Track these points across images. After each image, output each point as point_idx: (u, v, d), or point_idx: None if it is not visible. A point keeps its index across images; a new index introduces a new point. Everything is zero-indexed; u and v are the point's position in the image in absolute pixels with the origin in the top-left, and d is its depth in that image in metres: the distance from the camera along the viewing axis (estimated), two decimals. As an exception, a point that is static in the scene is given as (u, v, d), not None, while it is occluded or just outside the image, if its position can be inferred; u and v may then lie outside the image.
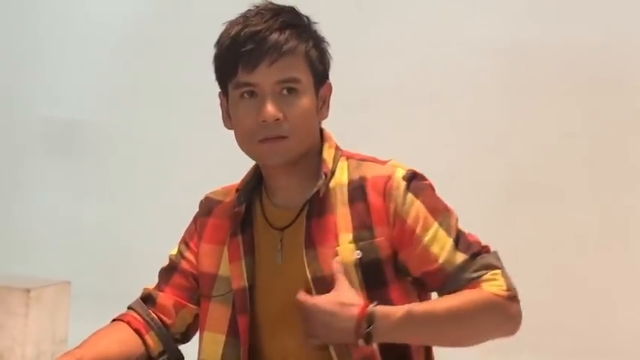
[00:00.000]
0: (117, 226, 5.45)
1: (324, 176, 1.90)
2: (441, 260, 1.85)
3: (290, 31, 1.88)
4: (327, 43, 2.00)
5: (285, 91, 1.87)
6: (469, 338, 1.92)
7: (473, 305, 1.83)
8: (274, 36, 1.86)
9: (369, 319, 1.76)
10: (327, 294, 1.79)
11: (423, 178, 1.94)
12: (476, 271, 1.86)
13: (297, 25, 1.92)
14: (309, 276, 1.87)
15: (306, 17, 1.96)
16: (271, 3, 1.96)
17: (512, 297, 1.86)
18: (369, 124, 4.98)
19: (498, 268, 1.87)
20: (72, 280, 4.04)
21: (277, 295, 1.92)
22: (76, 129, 5.51)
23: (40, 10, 5.65)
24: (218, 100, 2.00)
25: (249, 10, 1.92)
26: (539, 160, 4.91)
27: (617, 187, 4.83)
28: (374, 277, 1.86)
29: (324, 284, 1.85)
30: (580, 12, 4.89)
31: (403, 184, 1.87)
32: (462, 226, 1.93)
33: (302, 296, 1.78)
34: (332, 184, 1.93)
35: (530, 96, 4.96)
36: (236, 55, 1.86)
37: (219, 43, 1.93)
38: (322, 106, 1.97)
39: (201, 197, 2.13)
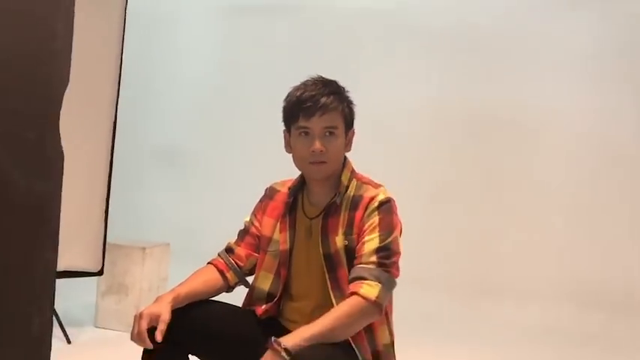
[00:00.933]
0: (197, 213, 5.41)
1: (338, 193, 1.91)
2: (362, 254, 1.83)
3: (334, 97, 1.90)
4: (354, 104, 1.99)
5: (327, 134, 1.88)
6: (347, 334, 1.77)
7: (342, 316, 1.74)
8: (324, 99, 1.88)
9: (277, 342, 1.66)
10: None
11: (391, 204, 1.90)
12: (369, 274, 1.79)
13: (338, 92, 1.93)
14: (321, 252, 1.89)
15: (343, 87, 1.98)
16: (321, 77, 1.97)
17: (376, 304, 1.77)
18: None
19: (382, 284, 1.78)
20: (170, 242, 4.04)
21: (305, 258, 1.94)
22: (176, 151, 5.49)
23: (153, 65, 5.57)
24: (282, 134, 1.99)
25: (307, 79, 1.95)
26: (451, 175, 4.92)
27: (498, 194, 4.86)
28: (352, 258, 1.86)
29: (330, 257, 1.88)
30: (483, 76, 4.90)
31: (376, 204, 1.86)
32: (396, 248, 1.85)
33: None
34: (345, 195, 1.92)
35: (448, 133, 4.97)
36: (298, 109, 1.88)
37: (287, 99, 1.95)
38: (348, 143, 1.97)
39: (262, 189, 2.12)
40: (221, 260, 2.02)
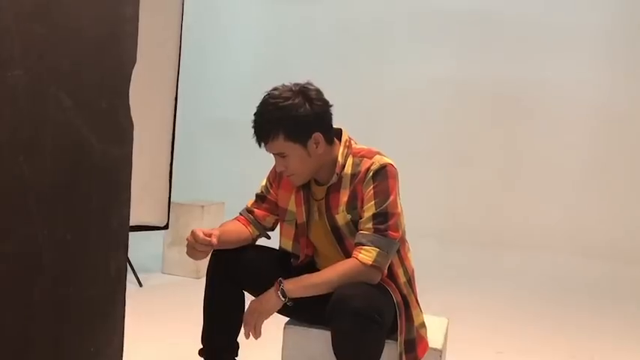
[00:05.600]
0: (248, 176, 5.45)
1: (336, 174, 1.81)
2: (362, 221, 1.76)
3: (271, 125, 1.74)
4: (306, 112, 1.73)
5: (279, 157, 1.79)
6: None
7: (342, 274, 1.70)
8: (262, 131, 1.75)
9: (280, 282, 1.73)
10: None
11: (386, 169, 1.76)
12: (367, 240, 1.73)
13: (274, 117, 1.73)
14: (328, 225, 1.84)
15: (285, 105, 1.73)
16: (270, 94, 1.77)
17: (374, 267, 1.71)
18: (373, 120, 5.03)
19: (379, 248, 1.71)
20: (225, 201, 4.08)
21: (322, 230, 1.88)
22: (230, 122, 5.47)
23: (209, 46, 5.54)
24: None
25: (262, 99, 1.79)
26: (472, 143, 4.88)
27: (516, 159, 4.81)
28: (357, 229, 1.78)
29: (336, 230, 1.82)
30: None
31: (371, 174, 1.76)
32: (393, 210, 1.73)
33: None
34: (343, 173, 1.81)
35: (468, 104, 4.92)
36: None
37: None
38: (318, 146, 1.78)
39: None
40: (243, 217, 2.00)
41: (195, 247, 1.81)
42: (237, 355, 1.96)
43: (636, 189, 4.52)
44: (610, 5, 4.54)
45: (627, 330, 3.38)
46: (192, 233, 1.82)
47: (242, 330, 1.85)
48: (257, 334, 1.76)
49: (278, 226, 2.03)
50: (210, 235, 1.82)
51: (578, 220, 4.57)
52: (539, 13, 4.69)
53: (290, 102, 1.74)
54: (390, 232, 1.73)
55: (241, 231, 1.96)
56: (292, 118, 1.73)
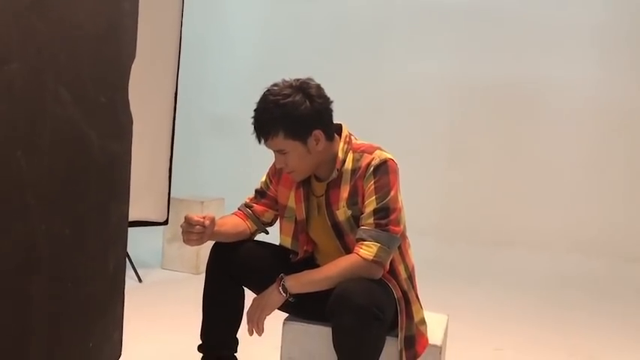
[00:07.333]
0: (247, 173, 5.44)
1: (337, 169, 1.79)
2: (363, 216, 1.74)
3: (271, 123, 1.72)
4: (306, 110, 1.71)
5: (279, 154, 1.77)
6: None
7: (343, 270, 1.69)
8: (263, 129, 1.73)
9: (282, 278, 1.72)
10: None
11: (387, 164, 1.75)
12: (368, 235, 1.71)
13: (274, 116, 1.71)
14: (328, 222, 1.81)
15: (285, 103, 1.71)
16: (271, 92, 1.74)
17: (376, 262, 1.69)
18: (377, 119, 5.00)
19: (380, 243, 1.70)
20: (225, 198, 4.03)
21: (321, 227, 1.86)
22: (229, 119, 5.49)
23: (208, 43, 5.45)
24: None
25: (262, 97, 1.75)
26: (469, 138, 4.84)
27: (512, 154, 4.72)
28: (358, 225, 1.76)
29: (336, 226, 1.80)
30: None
31: (372, 169, 1.74)
32: (394, 205, 1.72)
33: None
34: (343, 169, 1.79)
35: (465, 100, 4.91)
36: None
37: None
38: (317, 143, 1.76)
39: None
40: (241, 212, 1.99)
41: (188, 229, 1.77)
42: (236, 351, 1.96)
43: (636, 187, 4.52)
44: (611, 1, 4.53)
45: (626, 328, 3.36)
46: (186, 217, 1.80)
47: (242, 326, 1.85)
48: (260, 331, 1.76)
49: (277, 223, 2.01)
50: (203, 218, 1.80)
51: (577, 218, 4.55)
52: (539, 9, 4.66)
53: (290, 99, 1.71)
54: (392, 227, 1.72)
55: (238, 223, 1.95)
56: (292, 116, 1.71)
